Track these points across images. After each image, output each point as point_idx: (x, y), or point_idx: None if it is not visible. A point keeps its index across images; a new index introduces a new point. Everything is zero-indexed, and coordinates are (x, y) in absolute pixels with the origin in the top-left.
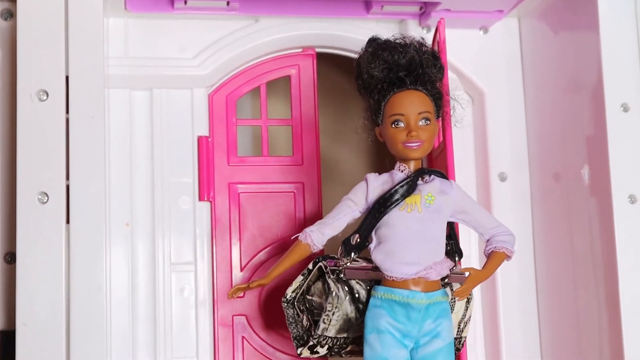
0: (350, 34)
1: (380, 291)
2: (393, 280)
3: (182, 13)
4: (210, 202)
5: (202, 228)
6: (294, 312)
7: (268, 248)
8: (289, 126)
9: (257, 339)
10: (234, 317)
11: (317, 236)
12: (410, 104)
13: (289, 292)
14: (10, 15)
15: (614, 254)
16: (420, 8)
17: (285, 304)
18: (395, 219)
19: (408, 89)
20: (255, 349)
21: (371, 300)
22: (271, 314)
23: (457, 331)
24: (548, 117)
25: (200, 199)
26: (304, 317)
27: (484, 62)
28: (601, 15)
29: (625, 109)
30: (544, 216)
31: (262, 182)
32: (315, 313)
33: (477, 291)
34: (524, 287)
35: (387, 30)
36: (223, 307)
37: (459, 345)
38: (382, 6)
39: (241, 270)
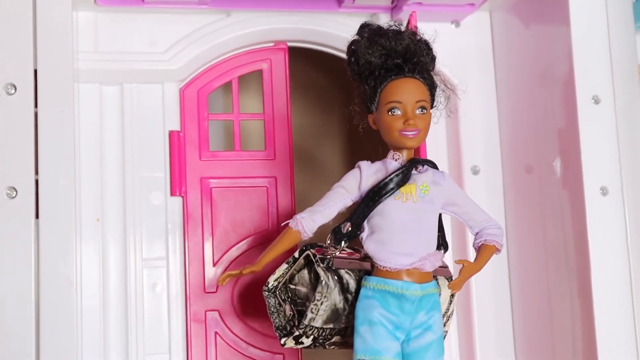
0: (322, 28)
1: (372, 282)
2: (387, 270)
3: (153, 7)
4: (182, 197)
5: (174, 223)
6: (275, 301)
7: (241, 243)
8: (261, 120)
9: (230, 334)
10: (207, 312)
11: (308, 223)
12: (408, 92)
13: (271, 281)
14: None
15: (586, 245)
16: (392, 2)
17: (267, 293)
18: (390, 208)
19: (405, 76)
20: (228, 345)
21: (362, 291)
22: (244, 309)
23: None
24: (520, 110)
25: (172, 194)
26: (287, 306)
27: (455, 55)
28: (572, 8)
29: (597, 101)
30: (517, 209)
31: (234, 177)
32: (298, 303)
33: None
34: (496, 279)
35: (358, 25)
36: (195, 303)
37: None
38: (354, 0)
39: (214, 265)
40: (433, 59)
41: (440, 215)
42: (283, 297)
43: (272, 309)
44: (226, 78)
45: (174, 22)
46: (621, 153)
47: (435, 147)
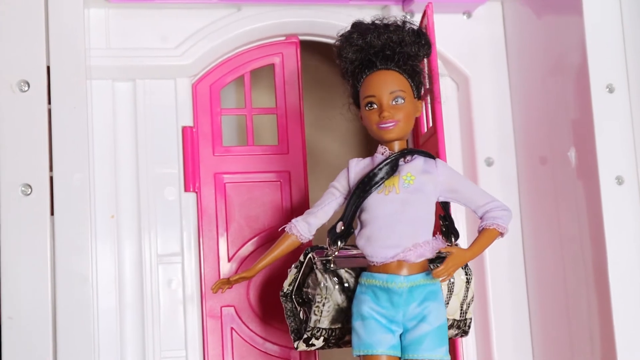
0: (334, 21)
1: (363, 277)
2: (374, 265)
3: (164, 2)
4: (196, 192)
5: (188, 219)
6: (292, 305)
7: (255, 238)
8: (273, 115)
9: (246, 330)
10: (223, 308)
11: (302, 226)
12: (381, 84)
13: (286, 286)
14: None
15: (602, 235)
16: None
17: (284, 298)
18: (373, 203)
19: (379, 69)
20: (245, 340)
21: (357, 288)
22: (260, 304)
23: (461, 313)
24: (533, 101)
25: (186, 189)
26: (301, 310)
27: (468, 47)
28: None
29: (611, 89)
30: (532, 200)
31: (247, 172)
32: (311, 305)
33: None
34: (512, 271)
35: (370, 17)
36: (211, 299)
37: (465, 327)
38: None
39: (229, 261)
40: (424, 45)
41: (448, 204)
42: (299, 301)
43: (288, 312)
44: (238, 73)
45: (185, 18)
46: (636, 141)
47: (449, 140)
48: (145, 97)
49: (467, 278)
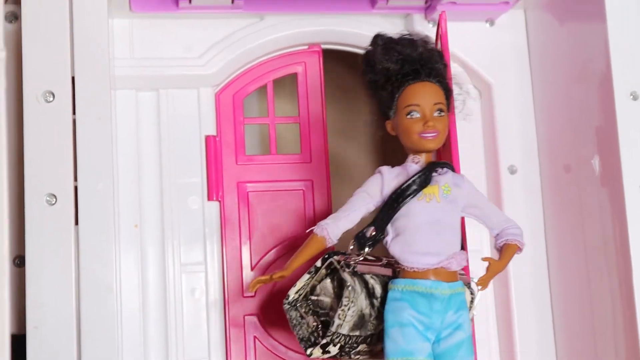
0: (356, 30)
1: (400, 284)
2: (414, 271)
3: (187, 12)
4: (219, 201)
5: (211, 228)
6: (296, 314)
7: (278, 247)
8: (296, 124)
9: (269, 339)
10: (245, 317)
11: (332, 229)
12: (426, 95)
13: (292, 294)
14: (15, 17)
15: (626, 243)
16: (426, 2)
17: (287, 306)
18: (414, 209)
19: (422, 80)
20: (268, 349)
21: (390, 294)
22: (283, 313)
23: None
24: (557, 108)
25: (209, 198)
26: (310, 318)
27: (490, 54)
28: (607, 4)
29: (635, 97)
30: (556, 208)
31: (270, 181)
32: (321, 313)
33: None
34: (536, 280)
35: (392, 26)
36: (234, 307)
37: None
38: (387, 1)
39: (252, 269)
40: (445, 65)
41: (462, 219)
42: (305, 310)
43: (293, 321)
44: (261, 82)
45: (208, 27)
46: None
47: (471, 148)
48: (169, 106)
49: (472, 297)
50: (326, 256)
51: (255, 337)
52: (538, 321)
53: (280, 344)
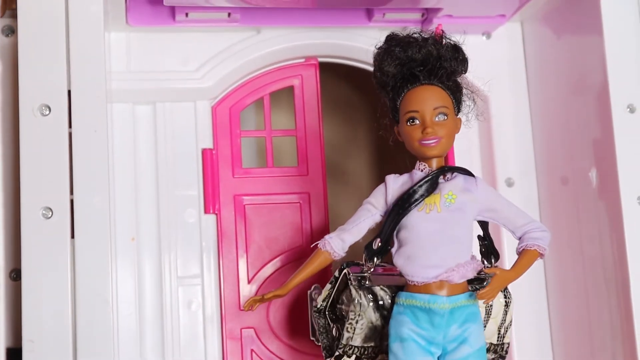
0: (353, 43)
1: (402, 297)
2: (415, 284)
3: (184, 26)
4: (216, 214)
5: (208, 241)
6: (325, 322)
7: (275, 260)
8: (293, 137)
9: (266, 352)
10: (242, 330)
11: (336, 243)
12: (425, 100)
13: (320, 302)
14: (12, 31)
15: (624, 256)
16: (422, 15)
17: (317, 314)
18: (414, 221)
19: (422, 84)
20: None
21: (394, 308)
22: (280, 326)
23: (498, 337)
24: (554, 121)
25: (206, 211)
26: (334, 327)
27: (487, 67)
28: (604, 17)
29: (632, 109)
30: (553, 220)
31: (267, 194)
32: (344, 322)
33: None
34: (534, 292)
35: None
36: (231, 320)
37: (502, 352)
38: (384, 14)
39: (248, 282)
40: (462, 61)
41: (486, 223)
42: (332, 317)
43: (321, 329)
44: (258, 95)
45: (205, 41)
46: None
47: (469, 159)
48: (166, 119)
49: (506, 301)
50: (342, 266)
51: (252, 350)
52: (536, 335)
53: (277, 356)
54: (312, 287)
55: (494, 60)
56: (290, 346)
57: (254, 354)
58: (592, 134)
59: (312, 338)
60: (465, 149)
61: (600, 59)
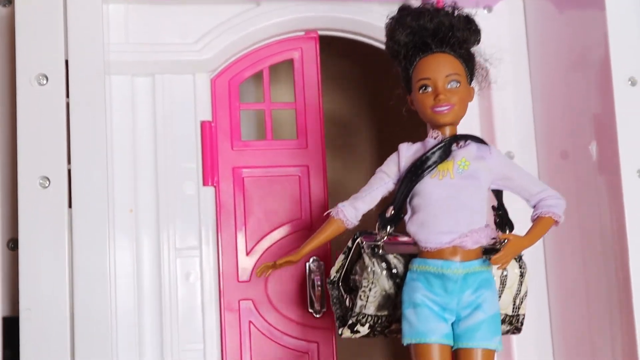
0: (353, 16)
1: (415, 264)
2: (428, 251)
3: None
4: (215, 187)
5: (206, 213)
6: (338, 293)
7: (274, 232)
8: (292, 110)
9: (264, 323)
10: (241, 301)
11: (349, 211)
12: (437, 67)
13: (333, 273)
14: (9, 1)
15: (623, 229)
16: None
17: (330, 285)
18: (427, 187)
19: (434, 52)
20: (263, 333)
21: (408, 274)
22: (278, 298)
23: (513, 308)
24: (554, 95)
25: (205, 184)
26: (348, 297)
27: (488, 41)
28: None
29: (633, 82)
30: None
31: (266, 166)
32: (358, 292)
33: None
34: (532, 267)
35: (390, 13)
36: (229, 292)
37: (517, 324)
38: None
39: (247, 254)
40: (475, 32)
41: (501, 192)
42: (346, 288)
43: (334, 300)
44: (257, 68)
45: (204, 13)
46: None
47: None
48: (164, 91)
49: (520, 272)
50: (355, 235)
51: (250, 321)
52: (535, 308)
53: (276, 328)
54: (311, 260)
55: (496, 34)
56: (288, 317)
57: (252, 325)
58: (593, 107)
59: (310, 310)
60: (464, 122)
61: (602, 33)
